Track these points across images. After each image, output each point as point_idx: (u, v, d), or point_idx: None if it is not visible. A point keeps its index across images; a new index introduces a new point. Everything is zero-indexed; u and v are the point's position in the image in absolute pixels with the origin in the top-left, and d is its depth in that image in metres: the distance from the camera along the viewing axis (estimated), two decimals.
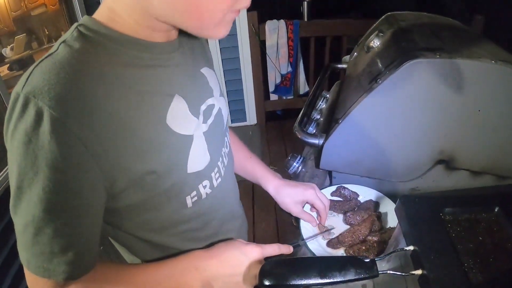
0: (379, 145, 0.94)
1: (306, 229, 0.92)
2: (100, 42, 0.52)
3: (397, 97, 0.86)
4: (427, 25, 1.23)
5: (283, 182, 0.94)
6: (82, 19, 0.54)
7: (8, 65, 2.33)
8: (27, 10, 2.59)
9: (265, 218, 2.28)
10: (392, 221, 0.92)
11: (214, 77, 0.74)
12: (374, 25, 1.51)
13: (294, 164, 1.23)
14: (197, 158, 0.63)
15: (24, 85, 0.46)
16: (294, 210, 0.93)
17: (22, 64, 2.38)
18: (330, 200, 0.97)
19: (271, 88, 3.34)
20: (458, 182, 0.96)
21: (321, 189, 1.00)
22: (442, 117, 0.87)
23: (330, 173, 1.12)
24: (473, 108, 0.85)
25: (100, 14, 0.54)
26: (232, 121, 3.58)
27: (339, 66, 1.65)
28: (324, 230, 0.92)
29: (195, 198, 0.65)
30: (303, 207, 0.94)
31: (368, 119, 0.91)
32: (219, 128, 0.73)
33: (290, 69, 3.22)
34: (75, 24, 0.53)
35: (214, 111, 0.70)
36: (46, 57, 0.49)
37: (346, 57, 2.22)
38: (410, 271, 0.55)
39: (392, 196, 0.98)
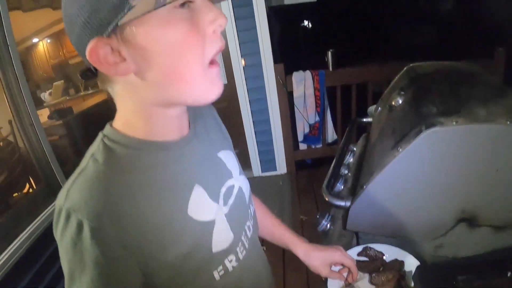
0: (403, 207, 0.97)
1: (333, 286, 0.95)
2: (121, 152, 0.58)
3: (418, 163, 0.91)
4: (446, 79, 1.27)
5: (312, 247, 0.97)
6: (105, 129, 0.62)
7: (46, 108, 2.46)
8: (65, 58, 2.81)
9: (296, 280, 2.26)
10: None
11: (232, 157, 0.78)
12: (396, 78, 1.56)
13: (323, 222, 1.26)
14: (221, 239, 0.67)
15: (65, 200, 0.54)
16: (324, 272, 0.96)
17: (61, 114, 2.52)
18: (356, 260, 0.99)
19: (300, 137, 3.41)
20: (482, 238, 0.97)
21: (347, 249, 1.03)
22: (462, 179, 0.90)
23: (357, 233, 1.14)
24: (492, 168, 0.88)
25: (119, 122, 0.61)
26: (263, 171, 3.64)
27: (364, 120, 1.70)
28: (348, 284, 0.94)
29: (222, 272, 0.68)
30: (331, 268, 0.97)
31: (391, 184, 0.95)
32: (241, 205, 0.76)
33: (317, 118, 3.30)
34: (100, 135, 0.61)
35: (235, 191, 0.74)
36: (79, 173, 0.56)
37: (371, 108, 2.27)
38: None
39: (418, 254, 0.99)
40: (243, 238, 0.74)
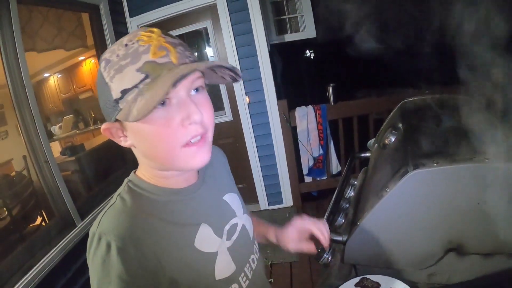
0: (394, 240, 1.05)
1: None
2: (142, 194, 0.73)
3: (404, 201, 1.00)
4: (434, 116, 1.36)
5: (280, 228, 1.00)
6: (130, 175, 0.77)
7: (57, 142, 2.55)
8: (75, 93, 2.90)
9: None
10: None
11: (236, 199, 0.90)
12: (390, 114, 1.66)
13: (325, 255, 1.30)
14: (223, 268, 0.77)
15: (97, 227, 0.67)
16: (292, 246, 0.97)
17: (73, 150, 2.62)
18: None
19: (305, 171, 3.49)
20: (472, 265, 1.04)
21: (346, 280, 1.09)
22: (446, 213, 0.98)
23: (354, 265, 1.20)
24: (473, 202, 0.96)
25: (140, 172, 0.76)
26: (269, 204, 3.71)
27: (362, 155, 1.78)
28: None
29: None
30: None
31: (381, 220, 1.04)
32: (245, 240, 0.86)
33: (321, 151, 3.39)
34: (126, 180, 0.76)
35: (238, 228, 0.85)
36: (110, 207, 0.70)
37: (371, 142, 2.36)
38: None
39: (412, 283, 1.06)
40: (246, 269, 0.84)
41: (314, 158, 3.42)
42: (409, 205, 0.99)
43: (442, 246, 1.01)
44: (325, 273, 1.42)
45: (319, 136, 3.34)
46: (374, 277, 1.11)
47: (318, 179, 3.61)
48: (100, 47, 2.93)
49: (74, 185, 2.49)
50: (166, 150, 0.67)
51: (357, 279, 1.12)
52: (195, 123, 0.66)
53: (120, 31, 3.13)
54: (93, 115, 2.99)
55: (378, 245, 1.06)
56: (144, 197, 0.73)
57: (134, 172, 0.77)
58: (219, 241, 0.79)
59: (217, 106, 3.52)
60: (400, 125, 1.38)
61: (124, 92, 0.62)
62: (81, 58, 2.93)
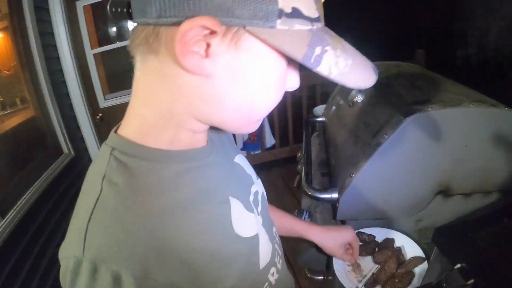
0: (389, 189, 1.07)
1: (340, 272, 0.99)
2: (140, 167, 0.47)
3: (402, 147, 1.01)
4: (400, 76, 1.42)
5: (325, 229, 0.99)
6: (112, 139, 0.50)
7: None
8: None
9: None
10: (410, 252, 1.03)
11: (245, 160, 0.71)
12: None
13: (303, 218, 1.29)
14: (266, 253, 0.62)
15: (83, 250, 0.40)
16: (338, 253, 0.99)
17: None
18: None
19: (240, 145, 3.46)
20: (454, 206, 1.10)
21: None
22: (439, 156, 1.02)
23: (343, 221, 1.21)
24: (461, 144, 1.01)
25: (131, 130, 0.49)
26: None
27: (317, 120, 1.79)
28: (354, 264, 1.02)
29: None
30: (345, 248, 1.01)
31: (378, 169, 1.04)
32: (267, 211, 0.71)
33: None
34: (107, 149, 0.48)
35: (259, 197, 0.68)
36: (95, 206, 0.43)
37: (318, 108, 2.40)
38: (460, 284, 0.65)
39: (401, 230, 1.10)
40: (276, 246, 0.69)
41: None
42: (406, 151, 1.01)
43: (433, 190, 1.06)
44: None
45: None
46: (367, 230, 1.12)
47: (253, 153, 3.61)
48: (17, 19, 2.42)
49: None
50: (264, 106, 0.49)
51: None
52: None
53: None
54: (1, 99, 2.55)
55: (373, 197, 1.07)
56: (145, 172, 0.47)
57: (119, 134, 0.50)
58: (253, 217, 0.60)
59: None
60: None
61: (296, 14, 0.41)
62: None
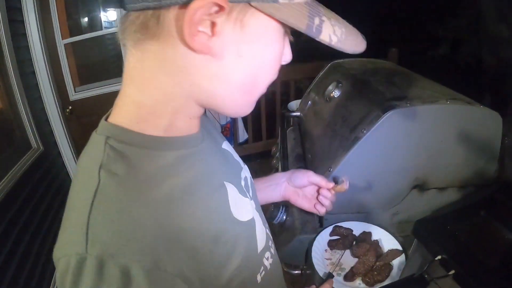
0: (367, 183, 1.08)
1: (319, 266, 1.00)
2: (137, 155, 0.46)
3: (380, 142, 1.03)
4: (377, 72, 1.44)
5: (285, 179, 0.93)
6: (103, 127, 0.48)
7: None
8: None
9: None
10: (387, 245, 1.04)
11: (231, 147, 0.71)
12: (321, 73, 1.69)
13: (279, 215, 1.26)
14: (261, 237, 0.62)
15: (87, 245, 0.38)
16: (307, 206, 0.92)
17: None
18: (330, 240, 1.06)
19: None
20: (429, 200, 1.13)
21: (316, 233, 1.09)
22: (415, 151, 1.04)
23: (320, 217, 1.21)
24: (437, 140, 1.03)
25: (125, 117, 0.48)
26: None
27: (293, 114, 1.79)
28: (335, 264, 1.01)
29: (263, 272, 0.61)
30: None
31: (357, 164, 1.05)
32: (255, 194, 0.72)
33: (229, 119, 3.35)
34: (101, 138, 0.46)
35: (249, 182, 0.69)
36: (94, 196, 0.41)
37: (292, 103, 2.40)
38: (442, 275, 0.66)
39: (378, 224, 1.11)
40: (267, 231, 0.68)
41: (222, 126, 3.37)
42: (384, 146, 1.03)
43: (409, 184, 1.08)
44: (284, 234, 1.40)
45: None
46: (344, 224, 1.13)
47: None
48: None
49: None
50: (264, 82, 0.50)
51: (330, 228, 1.13)
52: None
53: None
54: None
55: (351, 190, 1.07)
56: (143, 158, 0.46)
57: (111, 122, 0.48)
58: (247, 201, 0.61)
59: None
60: (344, 80, 1.41)
61: None
62: None
